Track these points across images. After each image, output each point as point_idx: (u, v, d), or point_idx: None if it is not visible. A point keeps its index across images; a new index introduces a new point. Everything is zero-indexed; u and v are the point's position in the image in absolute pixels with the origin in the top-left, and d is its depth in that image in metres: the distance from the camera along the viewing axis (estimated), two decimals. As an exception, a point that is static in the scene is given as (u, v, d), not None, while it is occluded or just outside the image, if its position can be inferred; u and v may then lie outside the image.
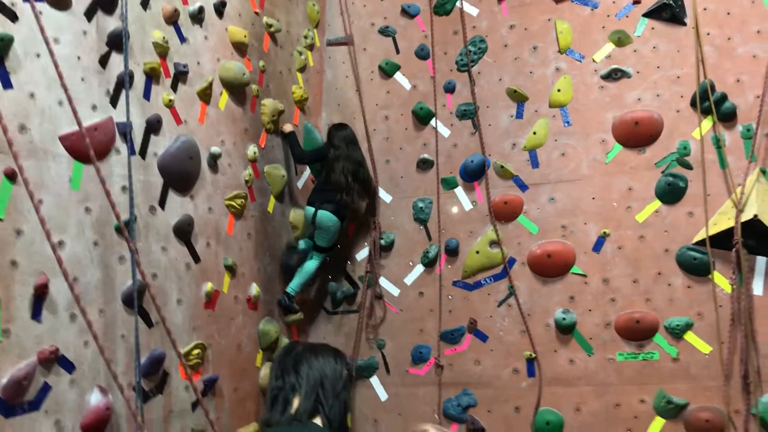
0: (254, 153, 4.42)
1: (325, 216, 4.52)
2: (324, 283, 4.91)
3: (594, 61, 4.61)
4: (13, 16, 2.95)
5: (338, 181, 4.56)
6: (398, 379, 4.67)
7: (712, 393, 4.03)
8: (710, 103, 4.23)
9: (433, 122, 4.92)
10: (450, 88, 4.92)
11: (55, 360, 2.97)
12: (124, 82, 3.37)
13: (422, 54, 5.05)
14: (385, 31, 5.19)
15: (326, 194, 4.59)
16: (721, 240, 4.07)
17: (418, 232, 4.82)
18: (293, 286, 4.43)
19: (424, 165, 4.87)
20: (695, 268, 4.16)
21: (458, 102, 4.89)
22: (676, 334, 4.14)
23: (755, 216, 3.93)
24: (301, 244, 4.64)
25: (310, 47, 5.24)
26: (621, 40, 4.56)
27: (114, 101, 3.40)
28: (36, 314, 2.91)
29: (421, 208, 4.82)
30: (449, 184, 4.80)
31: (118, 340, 3.29)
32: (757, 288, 4.05)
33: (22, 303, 2.85)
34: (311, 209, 4.57)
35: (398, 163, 4.96)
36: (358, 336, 4.77)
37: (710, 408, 4.01)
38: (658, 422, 4.10)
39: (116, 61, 3.42)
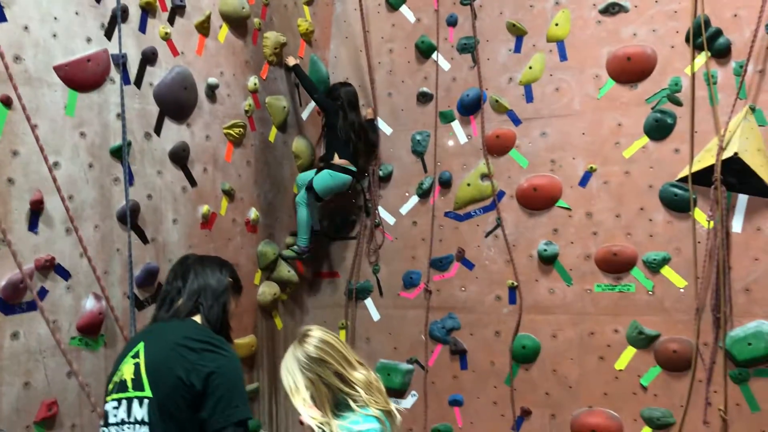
0: (255, 84, 4.64)
1: (346, 179, 4.74)
2: (326, 212, 5.16)
3: (593, -6, 4.58)
4: (6, -46, 3.20)
5: (348, 135, 4.72)
6: (390, 301, 4.95)
7: (683, 326, 4.14)
8: (703, 38, 4.18)
9: (434, 56, 5.01)
10: (452, 22, 4.99)
11: (51, 267, 3.34)
12: (117, 16, 3.62)
13: (427, -13, 5.11)
14: (392, -36, 5.24)
15: (341, 150, 4.74)
16: (705, 177, 4.10)
17: (414, 163, 4.99)
18: (304, 239, 4.66)
19: (424, 98, 5.01)
20: (676, 204, 4.22)
21: (460, 35, 4.96)
22: (653, 268, 4.24)
23: (735, 154, 3.94)
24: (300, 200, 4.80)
25: (319, -21, 5.35)
26: (621, -27, 4.51)
27: (108, 34, 3.66)
28: (32, 227, 3.27)
29: (418, 140, 4.98)
30: (447, 118, 4.93)
31: (113, 253, 3.64)
32: (736, 225, 4.09)
33: (19, 216, 3.20)
34: (348, 177, 4.73)
35: (399, 96, 5.10)
36: (355, 261, 5.04)
37: (680, 340, 4.14)
38: (630, 351, 4.26)
39: (115, -3, 3.66)
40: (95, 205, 3.57)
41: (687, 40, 4.29)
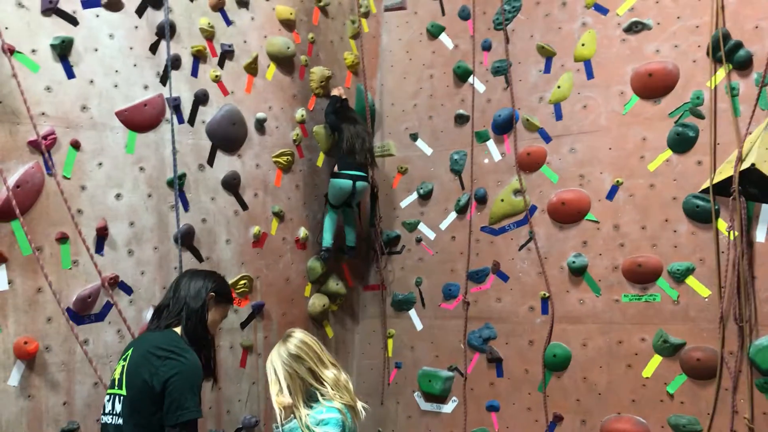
0: (302, 116, 5.12)
1: (362, 186, 5.07)
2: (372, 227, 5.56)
3: (617, 14, 4.74)
4: (74, 22, 3.83)
5: (349, 146, 5.02)
6: (431, 312, 5.26)
7: (708, 335, 4.21)
8: (721, 51, 4.27)
9: (470, 79, 5.31)
10: (487, 46, 5.27)
11: (116, 284, 3.92)
12: (168, 64, 4.19)
13: (464, 15, 5.42)
14: (433, -5, 5.60)
15: (350, 161, 5.04)
16: (725, 188, 4.17)
17: (453, 181, 5.30)
18: (327, 240, 5.07)
19: (461, 120, 5.31)
20: (699, 215, 4.30)
21: (493, 59, 5.23)
22: (678, 278, 4.34)
23: (753, 165, 4.00)
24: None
25: (366, 14, 5.78)
26: (644, -9, 4.66)
27: (163, 81, 4.24)
28: (99, 249, 3.86)
29: (456, 159, 5.28)
30: (482, 137, 5.21)
31: (171, 271, 4.19)
32: (760, 235, 4.13)
33: (87, 241, 3.80)
34: (347, 182, 4.99)
35: (439, 118, 5.43)
36: (394, 274, 5.42)
37: (704, 348, 4.21)
38: (656, 359, 4.36)
39: (165, 47, 4.24)
40: (154, 229, 4.13)
41: (708, 53, 4.37)
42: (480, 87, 5.28)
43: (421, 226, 5.38)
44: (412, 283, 5.37)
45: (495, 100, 5.20)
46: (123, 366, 2.74)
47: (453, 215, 5.26)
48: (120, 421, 2.65)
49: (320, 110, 5.31)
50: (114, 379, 2.76)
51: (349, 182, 4.99)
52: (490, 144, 5.17)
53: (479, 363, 5.02)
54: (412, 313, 5.35)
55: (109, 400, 2.74)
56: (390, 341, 5.41)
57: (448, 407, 5.11)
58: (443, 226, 5.30)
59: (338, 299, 5.31)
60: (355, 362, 5.51)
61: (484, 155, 5.19)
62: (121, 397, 2.67)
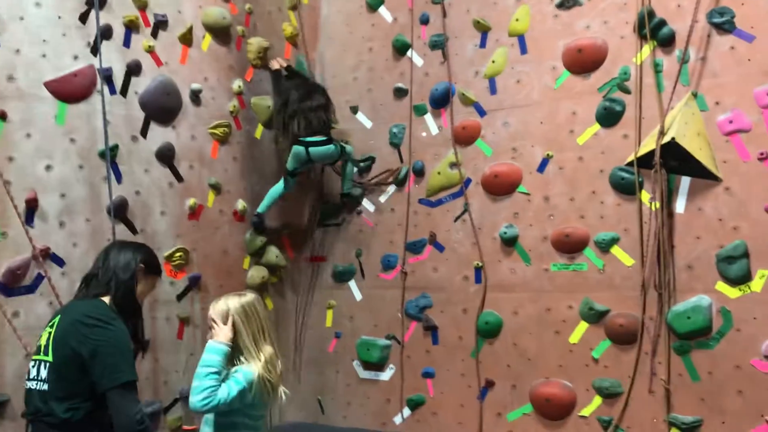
0: (239, 87, 5.10)
1: (316, 151, 5.04)
2: (310, 200, 5.60)
3: (551, -10, 4.84)
4: (-3, -12, 3.75)
5: (300, 116, 5.04)
6: (370, 282, 5.36)
7: (631, 302, 4.40)
8: (647, 28, 4.41)
9: (409, 53, 5.36)
10: (424, 20, 5.32)
11: (47, 256, 3.89)
12: (98, 34, 4.13)
13: (403, -12, 5.45)
14: (372, -33, 5.60)
15: (300, 130, 5.04)
16: (649, 161, 4.34)
17: (392, 155, 5.37)
18: (261, 205, 5.10)
19: (400, 93, 5.36)
20: (624, 187, 4.46)
21: (431, 33, 5.29)
22: (603, 247, 4.51)
23: (673, 138, 4.17)
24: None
25: (305, -15, 5.76)
26: (575, -32, 4.76)
27: (94, 51, 4.18)
28: (29, 221, 3.82)
29: (395, 133, 5.34)
30: (420, 111, 5.27)
31: (104, 243, 4.15)
32: (680, 206, 4.31)
33: (16, 213, 3.76)
34: (300, 148, 5.01)
35: (379, 92, 5.47)
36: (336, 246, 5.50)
37: (627, 314, 4.40)
38: (582, 326, 4.54)
39: (95, 17, 4.17)
40: (86, 201, 4.10)
41: (635, 30, 4.50)
42: (418, 61, 5.33)
43: (362, 199, 5.45)
44: (353, 254, 5.45)
45: (432, 74, 5.26)
46: (50, 333, 2.76)
47: (392, 188, 5.34)
48: (45, 386, 2.68)
49: (258, 81, 5.30)
50: (40, 346, 2.78)
51: (302, 149, 5.01)
52: (428, 117, 5.25)
53: (416, 331, 5.14)
54: (352, 283, 5.44)
55: (34, 366, 2.76)
56: (330, 312, 5.49)
57: (386, 375, 5.23)
58: (383, 198, 5.38)
59: (278, 271, 5.36)
60: (296, 333, 5.58)
61: (422, 129, 5.27)
62: (47, 364, 2.70)
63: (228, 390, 2.88)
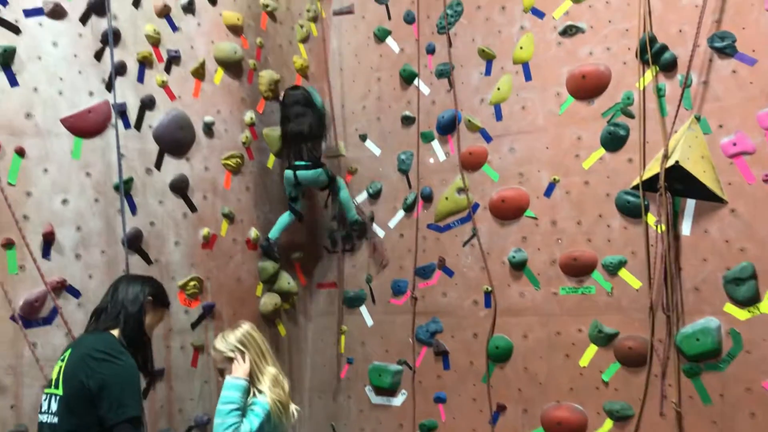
0: (251, 118, 5.22)
1: (303, 174, 5.17)
2: (325, 226, 5.70)
3: (554, 18, 4.92)
4: (16, 30, 3.90)
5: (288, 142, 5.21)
6: (381, 308, 5.41)
7: (639, 324, 4.42)
8: (648, 54, 4.47)
9: (416, 82, 5.47)
10: (431, 50, 5.43)
11: (63, 288, 4.00)
12: (112, 71, 4.27)
13: (409, 19, 5.57)
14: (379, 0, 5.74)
15: (293, 153, 5.21)
16: (653, 184, 4.38)
17: (400, 181, 5.45)
18: (272, 232, 5.20)
19: (407, 121, 5.46)
20: (630, 210, 4.50)
21: (437, 62, 5.39)
22: (611, 270, 4.54)
23: (677, 162, 4.21)
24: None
25: (314, 19, 5.90)
26: (577, -4, 4.85)
27: (109, 87, 4.32)
28: (45, 254, 3.94)
29: (403, 159, 5.44)
30: (427, 138, 5.36)
31: (119, 274, 4.26)
32: (686, 228, 4.34)
33: (33, 247, 3.88)
34: (289, 172, 5.17)
35: (387, 120, 5.57)
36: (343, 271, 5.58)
37: (635, 337, 4.42)
38: (592, 349, 4.56)
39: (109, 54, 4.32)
40: (102, 233, 4.22)
41: (637, 56, 4.57)
42: (425, 89, 5.43)
43: (372, 225, 5.52)
44: (363, 280, 5.51)
45: (439, 101, 5.36)
46: (60, 366, 2.84)
47: (401, 213, 5.42)
48: (55, 420, 2.75)
49: (270, 113, 5.42)
50: (51, 379, 2.85)
51: (290, 172, 5.14)
52: (435, 144, 5.33)
53: (427, 356, 5.18)
54: (363, 309, 5.50)
55: (45, 399, 2.84)
56: (342, 337, 5.55)
57: (398, 400, 5.27)
58: (392, 224, 5.45)
59: (290, 298, 5.43)
60: (309, 359, 5.64)
61: (430, 155, 5.35)
62: (58, 397, 2.77)
63: (250, 425, 2.97)
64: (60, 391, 2.77)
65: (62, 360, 2.88)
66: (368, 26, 5.77)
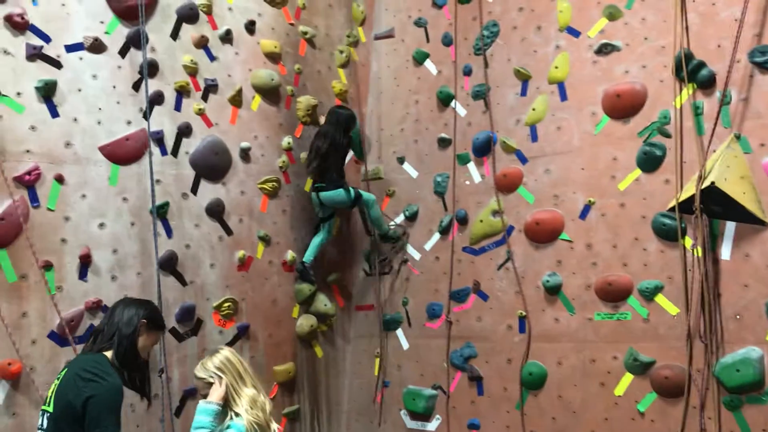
0: (289, 143, 5.34)
1: (323, 195, 5.25)
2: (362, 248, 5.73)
3: (589, 36, 4.83)
4: (58, 65, 4.15)
5: (310, 160, 5.28)
6: (417, 331, 5.39)
7: (676, 352, 4.23)
8: (684, 71, 4.32)
9: (452, 103, 5.46)
10: (467, 71, 5.42)
11: (98, 308, 4.18)
12: (146, 100, 4.47)
13: (446, 41, 5.58)
14: (418, 23, 5.77)
15: (315, 175, 5.31)
16: (691, 206, 4.20)
17: (436, 203, 5.44)
18: (306, 255, 5.27)
19: (444, 143, 5.45)
20: (666, 233, 4.33)
21: (474, 83, 5.37)
22: (647, 296, 4.37)
23: (712, 183, 4.03)
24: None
25: (355, 44, 5.99)
26: (613, 14, 4.74)
27: (146, 115, 4.52)
28: (82, 276, 4.13)
29: (439, 182, 5.42)
30: (463, 160, 5.33)
31: (154, 296, 4.43)
32: (725, 252, 4.14)
33: (71, 268, 4.08)
34: (313, 194, 5.29)
35: (424, 142, 5.58)
36: (384, 294, 5.57)
37: (672, 366, 4.22)
38: (627, 378, 4.39)
39: (148, 84, 4.52)
40: (137, 255, 4.39)
41: (674, 73, 4.42)
42: (461, 111, 5.41)
43: (408, 247, 5.52)
44: (399, 302, 5.51)
45: (475, 123, 5.32)
46: (55, 385, 2.96)
47: (437, 236, 5.39)
48: None
49: (308, 137, 5.52)
50: (46, 397, 2.98)
51: (314, 194, 5.26)
52: (471, 166, 5.29)
53: (461, 381, 5.11)
54: (399, 332, 5.49)
55: (41, 416, 2.96)
56: (377, 360, 5.54)
57: (432, 425, 5.21)
58: (428, 246, 5.43)
59: (328, 319, 5.48)
60: (347, 381, 5.66)
61: (466, 177, 5.31)
62: (49, 414, 2.89)
63: None
64: (51, 409, 2.89)
65: (58, 379, 3.00)
66: (407, 50, 5.81)
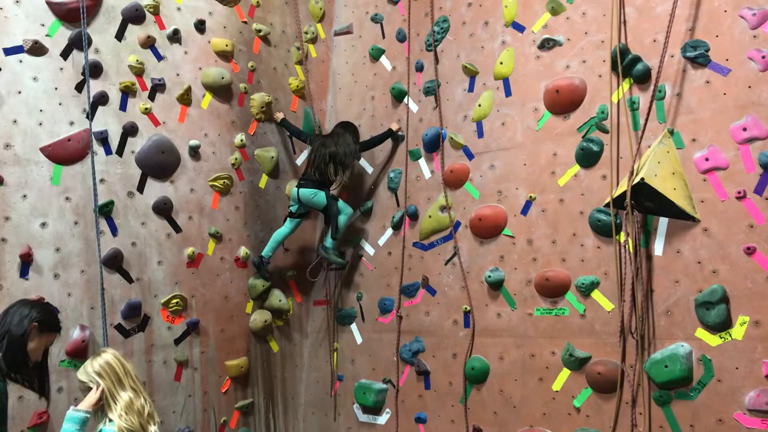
0: (242, 140, 5.39)
1: (303, 192, 5.31)
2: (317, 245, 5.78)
3: (533, 31, 4.82)
4: (-4, 68, 4.24)
5: (312, 161, 5.34)
6: (370, 326, 5.44)
7: (611, 348, 4.23)
8: (618, 66, 4.30)
9: (405, 99, 5.48)
10: (419, 67, 5.43)
11: (40, 305, 4.27)
12: (89, 101, 4.54)
13: (400, 37, 5.60)
14: (375, 19, 5.79)
15: (306, 174, 5.38)
16: (624, 202, 4.19)
17: (389, 199, 5.47)
18: (265, 249, 5.32)
19: (397, 139, 5.48)
20: (602, 229, 4.33)
21: (425, 79, 5.39)
22: (584, 292, 4.38)
23: (642, 179, 4.02)
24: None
25: (314, 40, 6.02)
26: (555, 8, 4.72)
27: (89, 116, 4.59)
28: (23, 274, 4.23)
29: (392, 177, 5.45)
30: (415, 156, 5.36)
31: (98, 292, 4.52)
32: (658, 248, 4.14)
33: (11, 267, 4.18)
34: (294, 189, 5.36)
35: (379, 138, 5.61)
36: (339, 289, 5.63)
37: (606, 362, 4.23)
38: (565, 373, 4.41)
39: (91, 85, 4.59)
40: (81, 254, 4.48)
41: (613, 68, 4.41)
42: (414, 107, 5.44)
43: (363, 242, 5.56)
44: (354, 297, 5.56)
45: (426, 119, 5.34)
46: None
47: (390, 231, 5.43)
48: None
49: (263, 134, 5.57)
50: None
51: (294, 188, 5.31)
52: (422, 162, 5.32)
53: (410, 376, 5.16)
54: (353, 327, 5.54)
55: None
56: (335, 354, 5.61)
57: (382, 419, 5.27)
58: (381, 242, 5.47)
59: (283, 315, 5.55)
60: (304, 375, 5.73)
61: (417, 173, 5.34)
62: None
63: None
64: None
65: None
66: (364, 45, 5.84)
